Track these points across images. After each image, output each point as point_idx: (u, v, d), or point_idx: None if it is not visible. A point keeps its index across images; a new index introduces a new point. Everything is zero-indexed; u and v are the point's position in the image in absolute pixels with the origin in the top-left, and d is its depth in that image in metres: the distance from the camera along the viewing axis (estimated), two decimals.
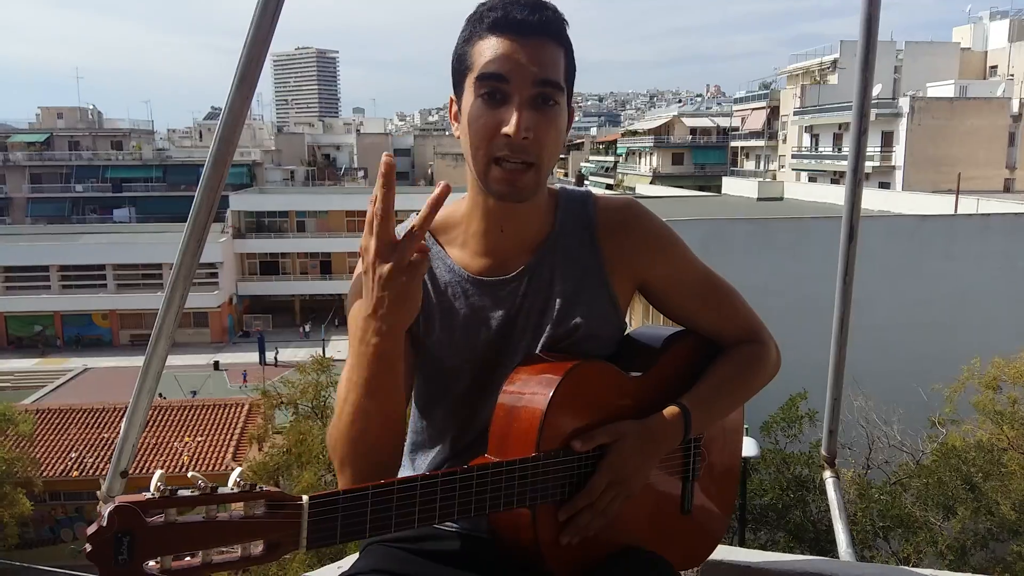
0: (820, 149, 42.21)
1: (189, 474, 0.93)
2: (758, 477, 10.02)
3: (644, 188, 45.18)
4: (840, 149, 38.82)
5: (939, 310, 14.22)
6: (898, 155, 35.91)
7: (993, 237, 15.21)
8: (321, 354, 18.30)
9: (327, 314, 40.33)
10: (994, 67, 44.04)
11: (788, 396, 10.15)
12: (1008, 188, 33.89)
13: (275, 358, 33.20)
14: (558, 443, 1.20)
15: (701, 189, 39.61)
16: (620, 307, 1.37)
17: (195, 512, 0.92)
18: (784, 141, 47.55)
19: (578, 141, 79.37)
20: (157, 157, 56.47)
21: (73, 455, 18.34)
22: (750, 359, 1.43)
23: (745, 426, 1.72)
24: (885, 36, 44.05)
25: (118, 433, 2.11)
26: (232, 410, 20.16)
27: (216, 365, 33.14)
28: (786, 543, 9.42)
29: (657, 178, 53.35)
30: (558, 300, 1.31)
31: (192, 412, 20.10)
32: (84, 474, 17.55)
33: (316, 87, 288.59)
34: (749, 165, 52.92)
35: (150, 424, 18.33)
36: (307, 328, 39.55)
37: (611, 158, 68.23)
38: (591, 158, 75.59)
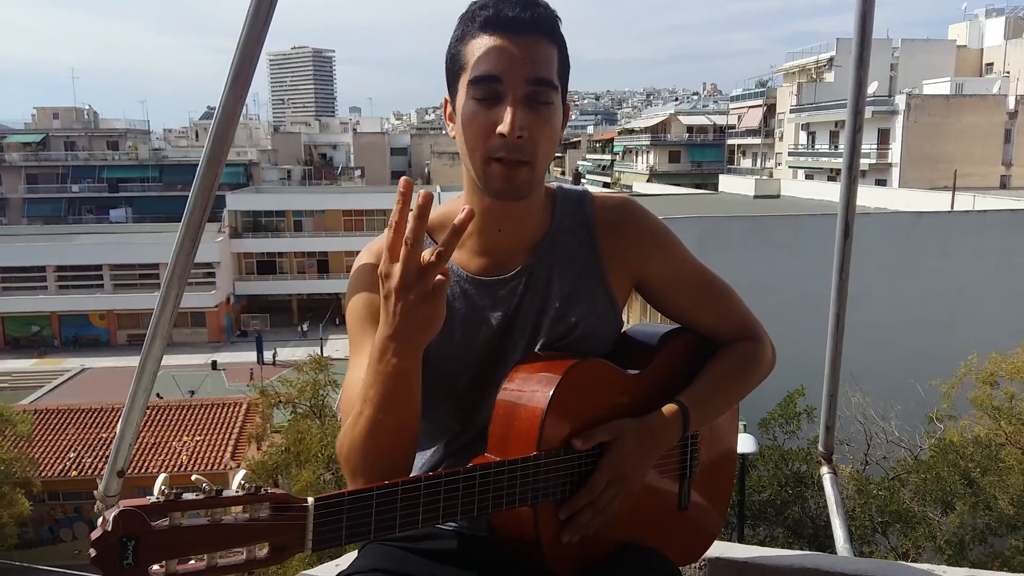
0: (817, 147, 42.27)
1: (192, 477, 0.92)
2: (756, 473, 10.03)
3: (641, 186, 45.21)
4: (836, 147, 38.84)
5: (936, 306, 14.25)
6: (894, 152, 35.97)
7: (989, 234, 15.24)
8: (319, 353, 18.30)
9: (325, 313, 40.30)
10: (990, 64, 44.13)
11: (786, 393, 10.16)
12: (1004, 185, 33.96)
13: (273, 357, 33.16)
14: (558, 442, 1.20)
15: (698, 187, 39.63)
16: (618, 305, 1.37)
17: (200, 515, 0.92)
18: (781, 139, 47.61)
19: (575, 139, 79.35)
20: (153, 157, 56.36)
21: (71, 455, 18.33)
22: (746, 356, 1.43)
23: (743, 423, 1.72)
24: (881, 34, 44.18)
25: (115, 433, 2.11)
26: (230, 409, 20.15)
27: (214, 365, 33.10)
28: (785, 539, 9.44)
29: (654, 176, 53.39)
30: (556, 299, 1.32)
31: (190, 412, 20.08)
32: (83, 474, 17.54)
33: (312, 86, 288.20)
34: (746, 163, 52.98)
35: (148, 424, 18.33)
36: (305, 327, 39.52)
37: (608, 156, 68.26)
38: (588, 156, 75.60)
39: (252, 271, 43.39)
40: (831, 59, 44.57)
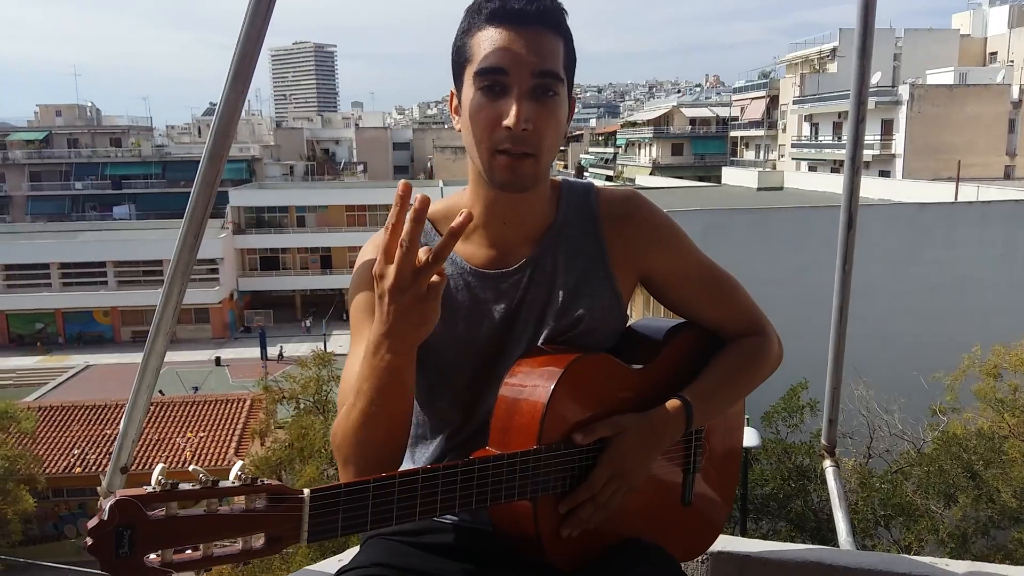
0: (820, 138, 42.13)
1: (190, 468, 0.93)
2: (759, 467, 10.03)
3: (644, 179, 45.11)
4: (840, 138, 38.74)
5: (939, 298, 14.21)
6: (898, 143, 35.84)
7: (993, 224, 15.18)
8: (323, 349, 18.32)
9: (328, 308, 40.35)
10: (994, 53, 43.92)
11: (789, 386, 10.16)
12: (1008, 175, 33.82)
13: (280, 353, 33.15)
14: (559, 436, 1.20)
15: (701, 179, 39.60)
16: (623, 299, 1.37)
17: (196, 506, 0.93)
18: (784, 130, 47.47)
19: (577, 133, 79.22)
20: (156, 154, 56.40)
21: (76, 452, 18.40)
22: (753, 351, 1.43)
23: (746, 416, 1.72)
24: (884, 23, 43.93)
25: (119, 429, 2.11)
26: (234, 405, 20.21)
27: (218, 361, 33.18)
28: (787, 532, 9.44)
29: (657, 169, 53.29)
30: (561, 292, 1.31)
31: (194, 408, 20.15)
32: (87, 470, 17.60)
33: (314, 81, 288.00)
34: (749, 155, 52.84)
35: (152, 420, 18.39)
36: (308, 323, 39.59)
37: (610, 149, 68.13)
38: (590, 150, 75.48)
39: (255, 267, 43.45)
40: (834, 49, 44.38)
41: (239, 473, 0.95)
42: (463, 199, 1.34)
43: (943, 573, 1.72)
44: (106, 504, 0.88)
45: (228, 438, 18.78)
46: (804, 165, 42.16)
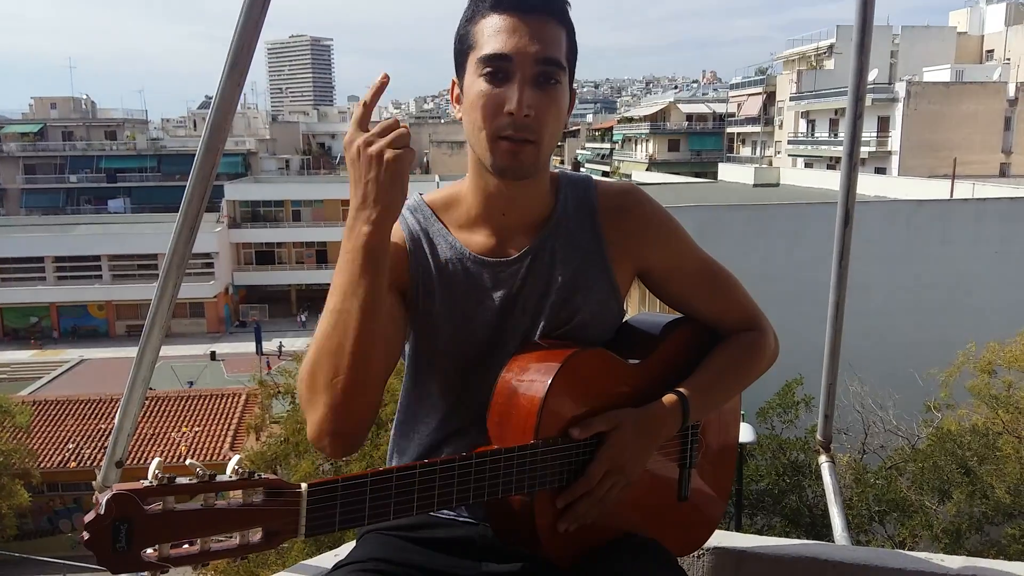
0: (816, 135, 42.16)
1: (187, 462, 0.93)
2: (754, 463, 10.04)
3: (640, 175, 45.11)
4: (836, 135, 38.76)
5: (935, 295, 14.24)
6: (894, 140, 35.89)
7: (988, 222, 15.21)
8: None
9: (323, 303, 40.22)
10: (990, 51, 43.99)
11: (784, 382, 10.17)
12: (1004, 173, 33.90)
13: (279, 348, 32.97)
14: (556, 430, 1.20)
15: (697, 175, 39.56)
16: (620, 292, 1.37)
17: (193, 500, 0.93)
18: (780, 127, 47.49)
19: (574, 128, 79.11)
20: (151, 147, 56.21)
21: (71, 446, 18.36)
22: (749, 347, 1.43)
23: (742, 412, 1.72)
24: (881, 21, 44.01)
25: (114, 424, 2.11)
26: (229, 400, 20.19)
27: (213, 355, 33.11)
28: (782, 528, 9.46)
29: (653, 165, 53.29)
30: (559, 284, 1.31)
31: (189, 402, 20.12)
32: (82, 465, 17.57)
33: (311, 75, 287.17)
34: (745, 151, 52.87)
35: (147, 415, 18.35)
36: (304, 317, 39.53)
37: (607, 145, 68.11)
38: (587, 145, 75.43)
39: (251, 261, 43.36)
40: (831, 46, 44.41)
41: (236, 467, 0.95)
42: (462, 188, 1.34)
43: (937, 568, 1.72)
44: (103, 498, 0.87)
45: (223, 433, 18.76)
46: (800, 162, 42.22)
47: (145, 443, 17.80)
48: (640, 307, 11.27)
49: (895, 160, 35.42)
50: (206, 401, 20.24)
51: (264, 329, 35.69)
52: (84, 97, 62.59)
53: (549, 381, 1.18)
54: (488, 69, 1.19)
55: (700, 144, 56.77)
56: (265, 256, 43.39)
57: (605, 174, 56.92)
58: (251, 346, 34.22)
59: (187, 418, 19.32)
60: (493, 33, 1.19)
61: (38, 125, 56.26)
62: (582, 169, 63.09)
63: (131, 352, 2.24)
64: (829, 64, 44.36)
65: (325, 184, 47.55)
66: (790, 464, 9.81)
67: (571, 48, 1.24)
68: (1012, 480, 8.63)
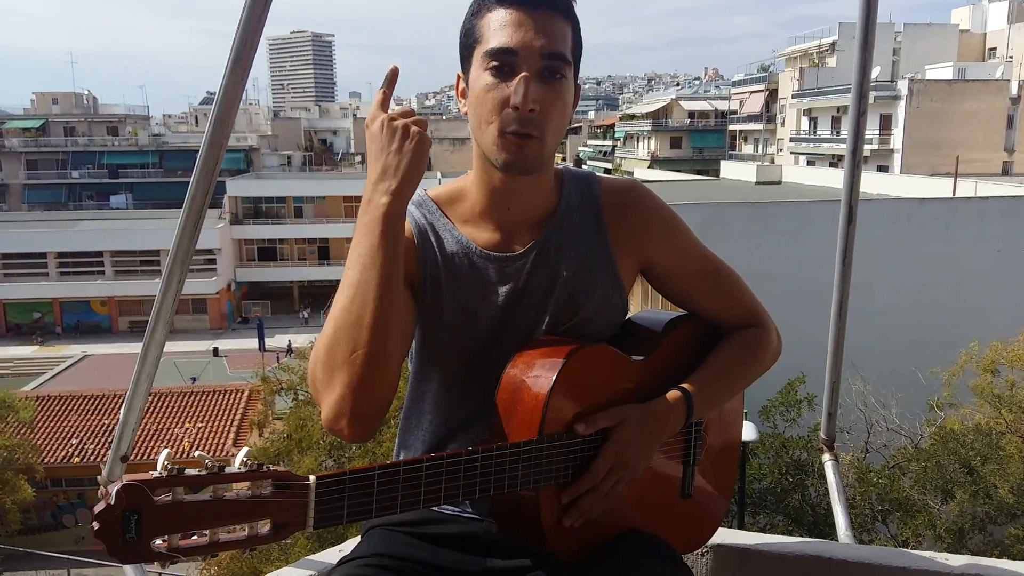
0: (818, 132, 42.10)
1: (196, 454, 0.93)
2: (757, 461, 10.04)
3: (642, 172, 45.05)
4: (838, 132, 38.72)
5: (937, 293, 14.22)
6: (896, 138, 35.82)
7: (991, 220, 15.19)
8: None
9: (326, 299, 40.29)
10: (993, 49, 43.89)
11: (787, 380, 10.16)
12: (1006, 171, 33.85)
13: (288, 346, 32.70)
14: (561, 426, 1.20)
15: (699, 173, 39.49)
16: (624, 289, 1.37)
17: (202, 492, 0.93)
18: (782, 124, 47.41)
19: (576, 125, 79.01)
20: (153, 143, 56.20)
21: (74, 441, 18.39)
22: (752, 344, 1.43)
23: (744, 410, 1.72)
24: (884, 18, 43.94)
25: (118, 419, 2.11)
26: (232, 396, 20.21)
27: (215, 351, 33.13)
28: (784, 527, 9.46)
29: (655, 162, 53.22)
30: (563, 279, 1.32)
31: (192, 398, 20.14)
32: (85, 460, 17.60)
33: (312, 71, 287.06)
34: (747, 149, 52.80)
35: (150, 410, 18.37)
36: (306, 314, 39.55)
37: (609, 142, 68.02)
38: (589, 142, 75.35)
39: (253, 258, 43.39)
40: (833, 43, 44.32)
41: (245, 459, 0.95)
42: (466, 183, 1.34)
43: (941, 567, 1.72)
44: (113, 489, 0.88)
45: (226, 429, 18.78)
46: (802, 159, 42.15)
47: (148, 439, 17.82)
48: (642, 305, 11.26)
49: (897, 158, 35.37)
50: (209, 397, 20.26)
51: (266, 325, 35.71)
52: (86, 93, 62.63)
53: (554, 377, 1.19)
54: (494, 63, 1.19)
55: (702, 141, 56.68)
56: (267, 252, 43.42)
57: (607, 171, 56.81)
58: (254, 342, 34.24)
59: (190, 414, 19.34)
60: (499, 27, 1.19)
61: (40, 121, 56.27)
62: (584, 166, 63.16)
63: (133, 348, 2.24)
64: (831, 61, 44.29)
65: (327, 180, 47.57)
66: (793, 463, 9.80)
67: (576, 43, 1.25)
68: (1015, 480, 8.62)
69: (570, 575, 1.25)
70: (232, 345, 34.44)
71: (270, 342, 33.81)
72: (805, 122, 43.72)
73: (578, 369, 1.21)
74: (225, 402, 19.96)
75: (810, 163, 40.18)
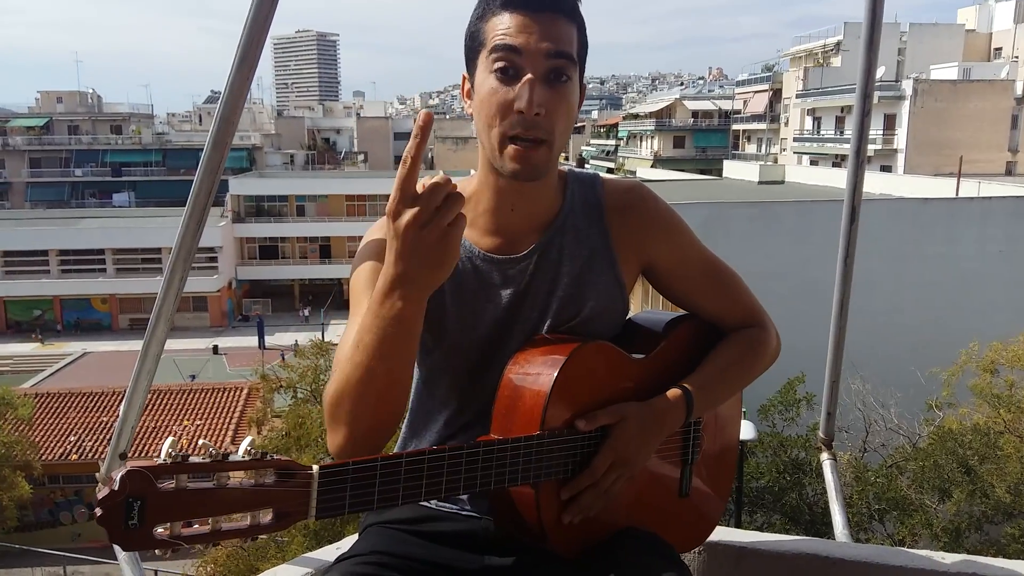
0: (822, 132, 42.06)
1: (200, 442, 0.93)
2: (755, 460, 10.05)
3: (645, 172, 44.99)
4: (842, 132, 38.68)
5: (939, 293, 14.21)
6: (900, 138, 35.80)
7: (994, 221, 15.17)
8: (320, 338, 18.30)
9: (327, 298, 40.33)
10: (999, 49, 43.82)
11: (786, 379, 10.17)
12: (1010, 171, 33.83)
13: (295, 343, 32.57)
14: (562, 423, 1.21)
15: (702, 172, 39.47)
16: (626, 289, 1.38)
17: (206, 480, 0.93)
18: (786, 124, 47.38)
19: (579, 125, 78.90)
20: (157, 141, 56.20)
21: (72, 439, 18.39)
22: (752, 344, 1.44)
23: (743, 409, 1.72)
24: (889, 17, 43.84)
25: (117, 416, 2.11)
26: (231, 394, 20.22)
27: (215, 349, 33.14)
28: (782, 525, 9.46)
29: (658, 161, 53.19)
30: (566, 280, 1.32)
31: (191, 396, 20.15)
32: (83, 457, 17.60)
33: (316, 70, 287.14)
34: (751, 148, 52.76)
35: (149, 408, 18.38)
36: (307, 312, 39.57)
37: (612, 141, 67.99)
38: (592, 141, 75.32)
39: (254, 256, 43.38)
40: (838, 43, 44.26)
41: (248, 448, 0.95)
42: (470, 185, 1.34)
43: (937, 566, 1.73)
44: (116, 475, 0.88)
45: (225, 426, 18.79)
46: (806, 159, 42.11)
47: (147, 436, 17.82)
48: (643, 305, 11.25)
49: (901, 158, 35.34)
50: (208, 395, 20.27)
51: (267, 324, 35.71)
52: (90, 91, 62.62)
53: (555, 374, 1.19)
54: (499, 64, 1.19)
55: (705, 141, 56.64)
56: (269, 251, 43.42)
57: (610, 171, 56.79)
58: (254, 340, 34.24)
59: (189, 412, 19.35)
60: (504, 29, 1.19)
61: (44, 119, 56.29)
62: (587, 166, 63.13)
63: (134, 345, 2.24)
64: (836, 61, 44.23)
65: (329, 179, 47.55)
66: (791, 462, 9.80)
67: (582, 44, 1.25)
68: (1012, 479, 8.63)
69: (567, 572, 1.26)
70: (232, 343, 34.44)
71: (270, 340, 33.82)
72: (809, 122, 43.68)
73: (579, 366, 1.22)
74: (224, 400, 19.96)
75: (813, 163, 40.14)
